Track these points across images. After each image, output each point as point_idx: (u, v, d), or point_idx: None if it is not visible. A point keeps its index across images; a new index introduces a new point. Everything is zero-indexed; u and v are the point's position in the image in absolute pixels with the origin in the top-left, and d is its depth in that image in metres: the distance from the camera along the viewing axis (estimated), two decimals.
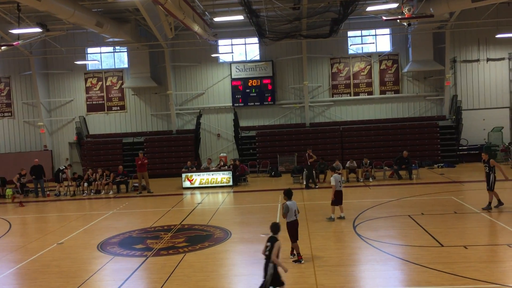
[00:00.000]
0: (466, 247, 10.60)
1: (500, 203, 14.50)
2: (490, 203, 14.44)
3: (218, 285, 9.23)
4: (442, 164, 26.10)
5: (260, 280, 9.26)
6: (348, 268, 9.73)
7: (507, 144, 26.77)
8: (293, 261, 10.19)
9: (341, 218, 14.04)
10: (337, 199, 14.03)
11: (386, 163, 23.51)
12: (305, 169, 21.66)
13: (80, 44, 29.10)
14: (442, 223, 12.99)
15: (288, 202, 10.24)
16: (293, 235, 10.20)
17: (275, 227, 8.24)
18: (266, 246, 7.86)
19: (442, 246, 10.85)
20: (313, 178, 21.31)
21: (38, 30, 21.47)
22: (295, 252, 10.30)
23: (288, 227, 10.16)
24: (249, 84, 29.30)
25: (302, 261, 10.11)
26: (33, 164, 23.03)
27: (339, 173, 15.27)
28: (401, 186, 20.19)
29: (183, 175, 23.22)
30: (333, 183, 13.83)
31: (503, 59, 28.26)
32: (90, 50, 30.25)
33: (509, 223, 12.66)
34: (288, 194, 10.39)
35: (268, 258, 7.78)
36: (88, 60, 30.03)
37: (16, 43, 21.31)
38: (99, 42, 28.46)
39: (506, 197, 15.06)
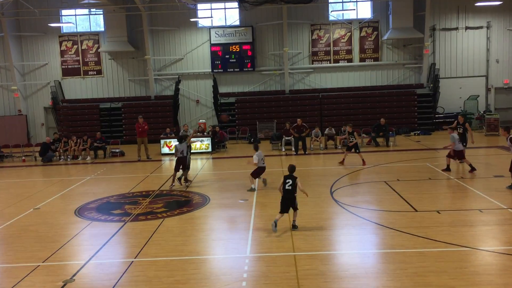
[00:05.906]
0: (439, 212, 10.90)
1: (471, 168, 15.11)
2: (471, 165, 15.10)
3: (196, 249, 9.32)
4: (418, 132, 26.49)
5: (238, 243, 9.39)
6: (324, 233, 9.92)
7: (482, 112, 27.23)
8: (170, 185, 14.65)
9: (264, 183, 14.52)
10: (257, 173, 14.08)
11: (364, 130, 23.75)
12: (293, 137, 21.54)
13: (54, 6, 28.15)
14: (417, 189, 13.28)
15: (176, 144, 15.06)
16: (176, 167, 14.88)
17: (292, 168, 10.15)
18: (286, 183, 9.77)
19: (416, 211, 11.13)
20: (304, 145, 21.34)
21: None
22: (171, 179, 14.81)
23: (176, 161, 14.88)
24: (229, 50, 28.93)
25: (173, 184, 14.73)
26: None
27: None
28: (378, 153, 20.49)
29: (162, 141, 23.09)
30: (255, 161, 13.85)
31: (481, 27, 28.42)
32: (64, 12, 29.27)
33: (480, 189, 13.02)
34: (179, 140, 15.27)
35: (290, 192, 9.77)
36: (62, 23, 29.07)
37: None
38: (74, 4, 27.47)
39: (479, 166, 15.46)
